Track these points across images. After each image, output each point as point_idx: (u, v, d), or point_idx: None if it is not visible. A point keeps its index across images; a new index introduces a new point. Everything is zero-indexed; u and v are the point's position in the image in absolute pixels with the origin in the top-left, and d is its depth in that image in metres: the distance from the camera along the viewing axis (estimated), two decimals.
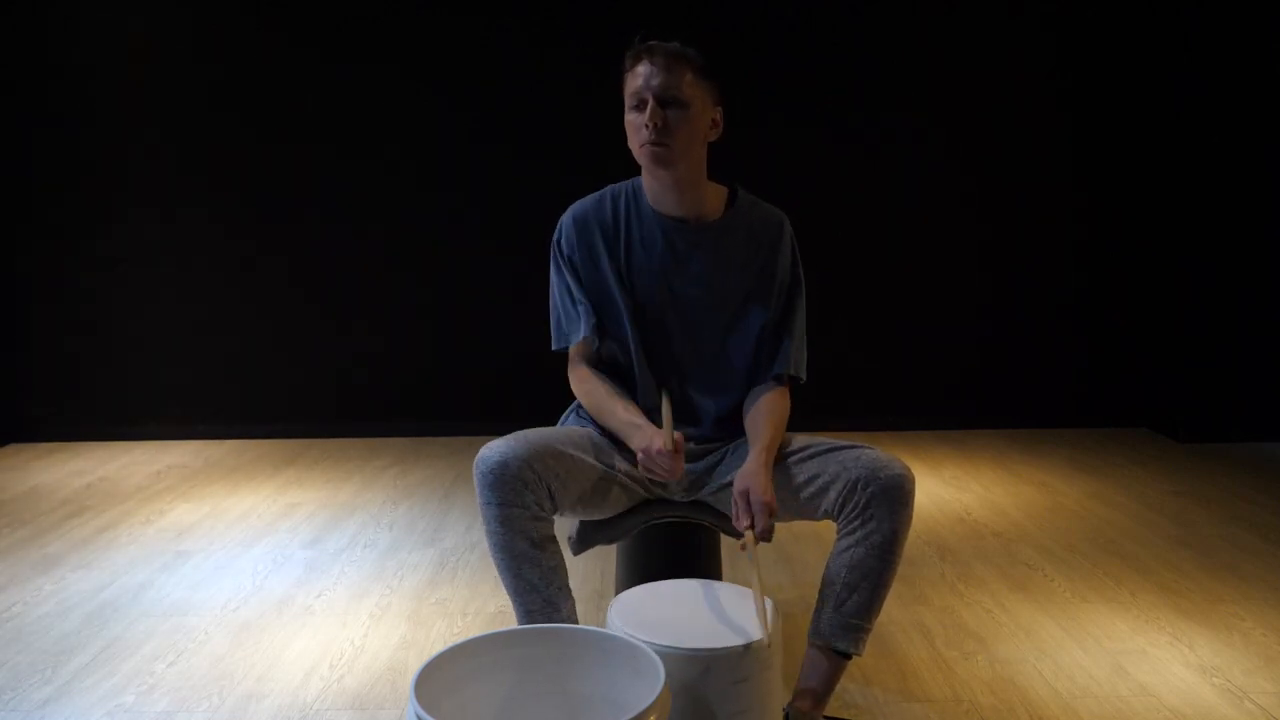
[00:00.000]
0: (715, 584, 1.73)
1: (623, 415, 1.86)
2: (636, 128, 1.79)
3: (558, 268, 1.96)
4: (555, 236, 1.96)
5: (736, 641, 1.50)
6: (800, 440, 1.89)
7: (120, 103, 4.21)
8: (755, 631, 1.53)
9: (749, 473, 1.75)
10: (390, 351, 4.43)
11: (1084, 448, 4.19)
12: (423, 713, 1.24)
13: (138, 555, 2.94)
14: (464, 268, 4.37)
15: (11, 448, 4.28)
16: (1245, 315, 4.23)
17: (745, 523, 1.69)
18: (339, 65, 4.22)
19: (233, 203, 4.30)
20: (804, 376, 1.98)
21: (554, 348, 2.01)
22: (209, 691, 2.12)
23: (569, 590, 1.79)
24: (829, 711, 1.92)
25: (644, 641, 1.49)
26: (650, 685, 1.34)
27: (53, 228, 4.27)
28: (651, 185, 1.89)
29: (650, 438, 1.75)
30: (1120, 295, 4.47)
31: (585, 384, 1.94)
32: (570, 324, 1.95)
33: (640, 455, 1.76)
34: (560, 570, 1.78)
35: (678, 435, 1.75)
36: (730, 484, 1.88)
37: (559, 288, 1.97)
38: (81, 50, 4.16)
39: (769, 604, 1.60)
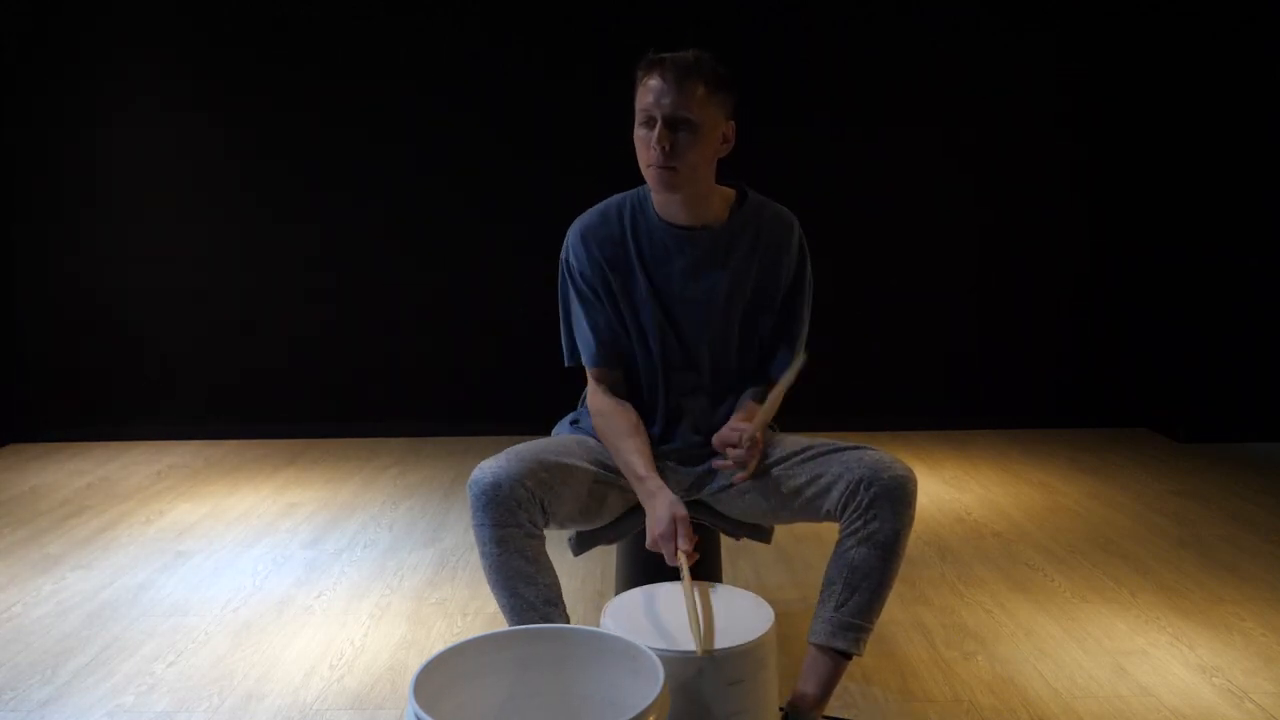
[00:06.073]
0: (712, 586, 1.73)
1: (629, 459, 1.83)
2: (646, 145, 1.77)
3: (565, 284, 1.94)
4: (563, 253, 1.94)
5: (729, 643, 1.50)
6: (801, 441, 1.89)
7: (122, 103, 4.21)
8: (750, 633, 1.53)
9: (733, 425, 1.82)
10: (390, 351, 4.43)
11: (1084, 448, 4.19)
12: (422, 713, 1.24)
13: (138, 555, 2.94)
14: (465, 268, 4.37)
15: (11, 448, 4.28)
16: (1245, 315, 4.23)
17: (733, 438, 1.77)
18: (341, 66, 4.22)
19: (233, 203, 4.30)
20: (803, 358, 1.94)
21: (566, 364, 2.01)
22: (209, 691, 2.12)
23: (564, 607, 1.78)
24: (829, 711, 1.92)
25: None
26: (649, 685, 1.34)
27: (53, 228, 4.27)
28: (659, 198, 1.88)
29: (660, 520, 1.72)
30: (1121, 295, 4.47)
31: (601, 417, 1.92)
32: (582, 346, 1.95)
33: (650, 535, 1.74)
34: (555, 587, 1.76)
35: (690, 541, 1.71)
36: (729, 486, 1.89)
37: (566, 305, 1.96)
38: (82, 48, 4.16)
39: (767, 607, 1.61)
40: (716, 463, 1.82)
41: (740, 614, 1.61)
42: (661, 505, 1.74)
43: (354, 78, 4.23)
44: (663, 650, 1.48)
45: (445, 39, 4.22)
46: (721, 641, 1.51)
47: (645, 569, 1.99)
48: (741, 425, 1.80)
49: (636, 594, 1.71)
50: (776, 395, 1.82)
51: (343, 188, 4.30)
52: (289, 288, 4.36)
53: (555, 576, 1.78)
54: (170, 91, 4.22)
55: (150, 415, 4.39)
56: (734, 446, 1.77)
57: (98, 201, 4.26)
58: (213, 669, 2.22)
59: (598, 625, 1.88)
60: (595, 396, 1.94)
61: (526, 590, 1.72)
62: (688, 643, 1.50)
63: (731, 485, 1.88)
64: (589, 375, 1.96)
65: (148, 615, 2.51)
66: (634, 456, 1.83)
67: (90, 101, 4.20)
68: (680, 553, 1.68)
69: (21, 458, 4.11)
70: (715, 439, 1.83)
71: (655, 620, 1.60)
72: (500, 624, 2.44)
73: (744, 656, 1.50)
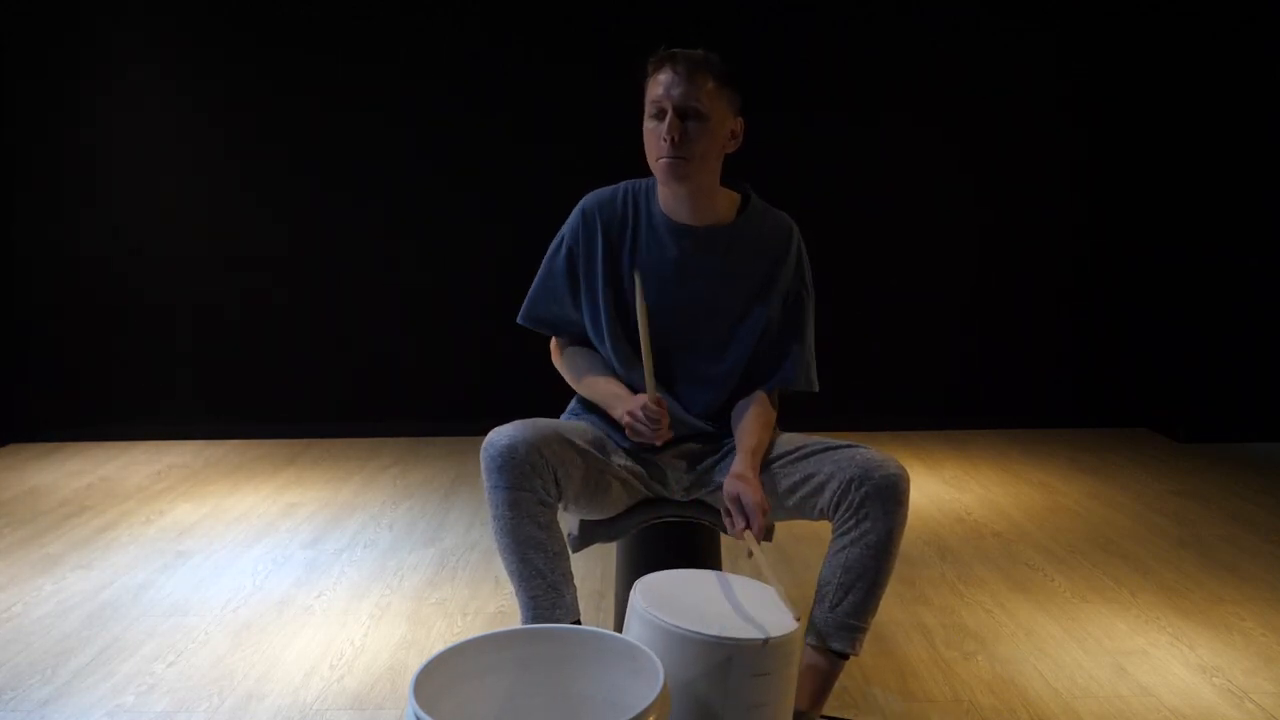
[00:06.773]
0: (737, 577, 1.72)
1: (604, 387, 1.90)
2: (655, 138, 1.79)
3: (555, 249, 1.97)
4: (571, 220, 1.96)
5: (759, 634, 1.50)
6: (794, 440, 1.89)
7: (123, 103, 4.21)
8: (778, 626, 1.52)
9: (737, 476, 1.75)
10: (390, 351, 4.42)
11: (1084, 448, 4.19)
12: (422, 713, 1.24)
13: (138, 555, 2.94)
14: (465, 268, 4.37)
15: (11, 448, 4.28)
16: (1245, 315, 4.23)
17: (741, 524, 1.70)
18: (343, 64, 4.22)
19: (233, 203, 4.30)
20: (816, 387, 1.98)
21: (519, 319, 2.02)
22: (209, 691, 2.12)
23: (572, 577, 1.80)
24: (829, 711, 1.92)
25: (667, 624, 1.48)
26: (650, 685, 1.34)
27: (52, 227, 4.27)
28: (665, 193, 1.89)
29: (633, 401, 1.80)
30: (1121, 295, 4.47)
31: (564, 356, 1.99)
32: (545, 313, 1.98)
33: (626, 419, 1.80)
34: (564, 557, 1.78)
35: (660, 399, 1.80)
36: None
37: (548, 269, 1.97)
38: (82, 48, 4.15)
39: (792, 605, 1.60)
40: (736, 533, 1.73)
41: (768, 608, 1.60)
42: (639, 398, 1.82)
43: (354, 78, 4.23)
44: (691, 633, 1.48)
45: (446, 39, 4.22)
46: (753, 633, 1.50)
47: (646, 569, 1.98)
48: (749, 498, 1.71)
49: (667, 576, 1.70)
50: (765, 431, 1.86)
51: (343, 187, 4.30)
52: (289, 288, 4.36)
53: (565, 546, 1.80)
54: (170, 91, 4.22)
55: (150, 415, 4.39)
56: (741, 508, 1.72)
57: (98, 201, 4.26)
58: (213, 669, 2.22)
59: (597, 623, 1.88)
60: (559, 346, 2.01)
61: (536, 557, 1.74)
62: (717, 629, 1.49)
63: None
64: (551, 341, 2.04)
65: (148, 615, 2.51)
66: (608, 385, 1.90)
67: (90, 101, 4.20)
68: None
69: (21, 458, 4.11)
70: (728, 500, 1.75)
71: (686, 602, 1.59)
72: (501, 622, 2.45)
73: (776, 649, 1.49)
